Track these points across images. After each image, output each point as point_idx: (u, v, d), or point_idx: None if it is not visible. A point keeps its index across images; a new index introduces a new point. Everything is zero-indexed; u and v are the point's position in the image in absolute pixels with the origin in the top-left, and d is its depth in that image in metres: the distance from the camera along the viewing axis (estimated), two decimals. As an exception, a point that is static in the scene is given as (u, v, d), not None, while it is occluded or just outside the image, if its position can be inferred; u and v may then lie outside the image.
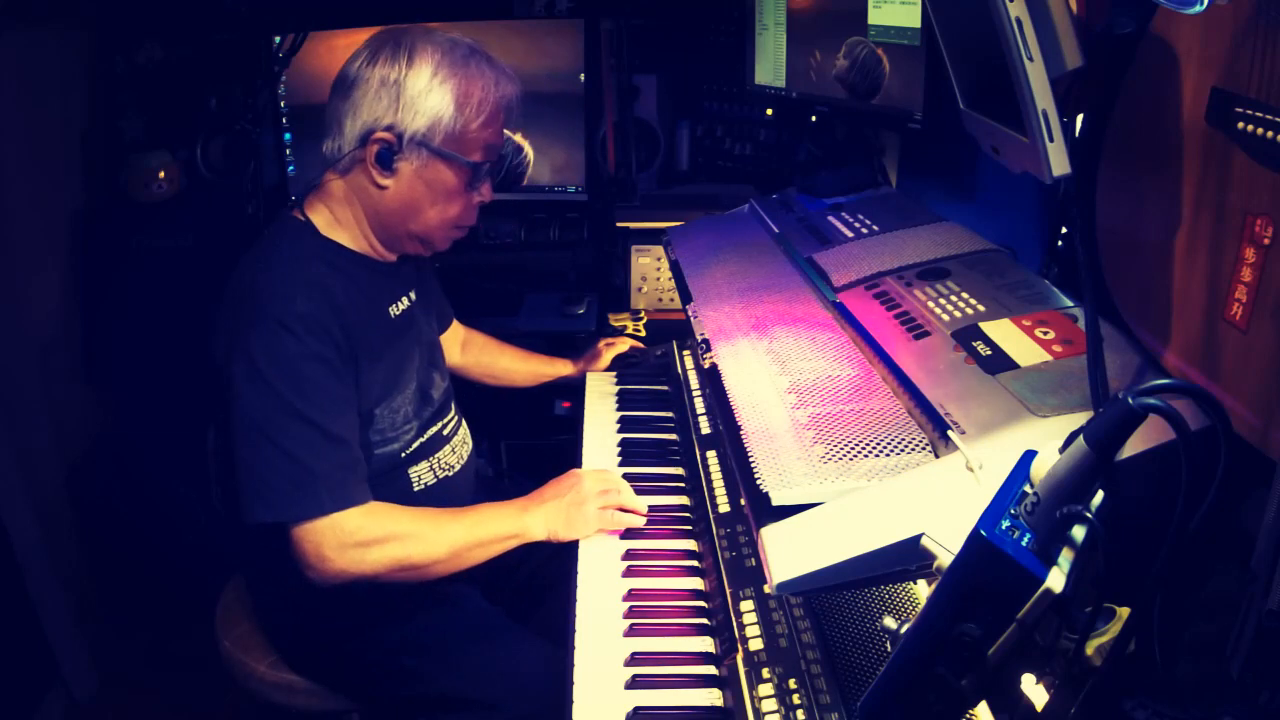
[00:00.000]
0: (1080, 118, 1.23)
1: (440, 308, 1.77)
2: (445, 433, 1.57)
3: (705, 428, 1.61)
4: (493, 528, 1.38)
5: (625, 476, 1.52)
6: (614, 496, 1.42)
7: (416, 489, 1.49)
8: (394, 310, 1.48)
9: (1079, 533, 0.71)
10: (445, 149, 1.36)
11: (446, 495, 1.53)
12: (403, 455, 1.47)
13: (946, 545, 0.78)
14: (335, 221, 1.42)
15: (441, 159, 1.36)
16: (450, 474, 1.56)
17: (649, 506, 1.46)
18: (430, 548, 1.34)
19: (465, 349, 1.90)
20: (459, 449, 1.60)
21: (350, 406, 1.35)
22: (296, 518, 1.28)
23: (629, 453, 1.63)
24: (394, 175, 1.36)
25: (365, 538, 1.30)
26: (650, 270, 2.39)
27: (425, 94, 1.32)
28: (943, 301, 1.29)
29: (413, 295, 1.55)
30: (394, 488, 1.45)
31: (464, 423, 1.66)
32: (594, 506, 1.40)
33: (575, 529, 1.39)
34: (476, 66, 1.36)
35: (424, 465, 1.51)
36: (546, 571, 1.64)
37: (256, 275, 1.34)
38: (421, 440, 1.50)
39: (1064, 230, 1.45)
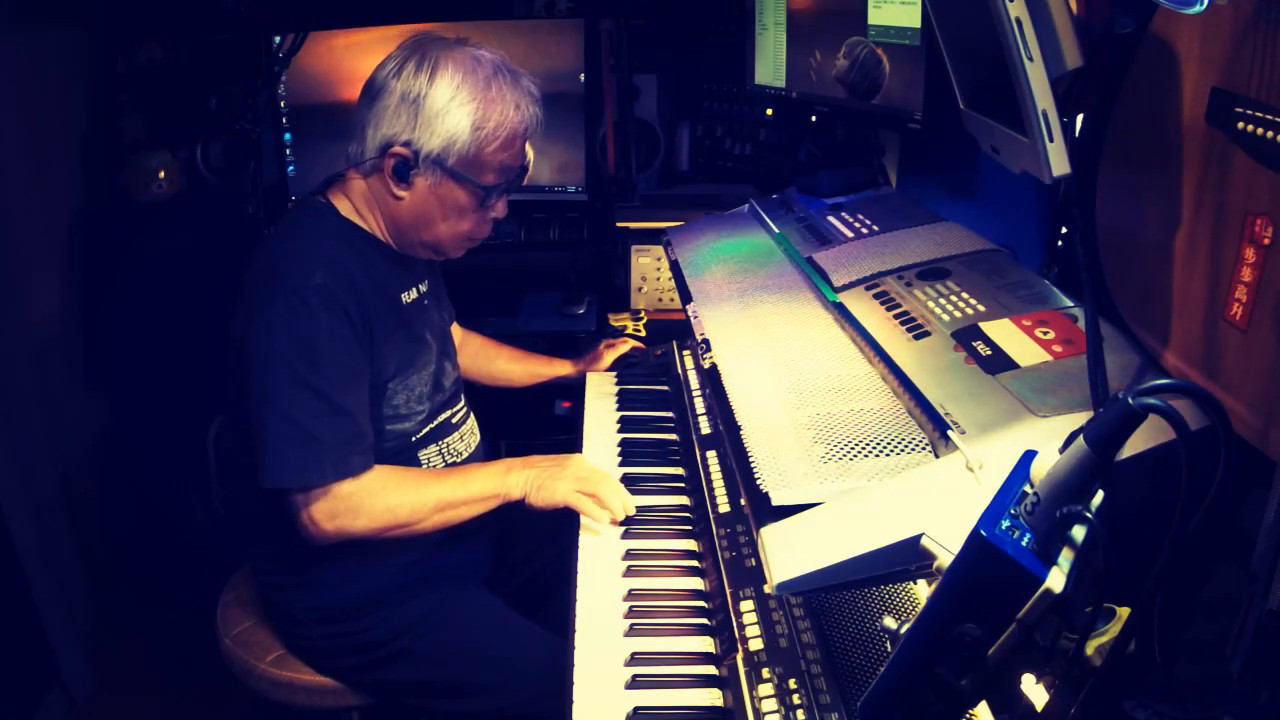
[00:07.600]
0: (1080, 118, 1.23)
1: (446, 305, 1.78)
2: (455, 420, 1.61)
3: (705, 428, 1.61)
4: (476, 487, 1.44)
5: (625, 477, 1.53)
6: (591, 486, 1.44)
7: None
8: (405, 298, 1.52)
9: (1079, 533, 0.71)
10: (459, 170, 1.39)
11: None
12: (413, 439, 1.51)
13: (946, 545, 0.78)
14: (356, 211, 1.47)
15: (454, 179, 1.39)
16: (458, 460, 1.59)
17: (648, 507, 1.46)
18: (416, 509, 1.40)
19: (462, 351, 1.90)
20: (467, 437, 1.63)
21: (361, 380, 1.39)
22: (300, 485, 1.33)
23: (629, 453, 1.63)
24: (409, 188, 1.40)
25: (357, 503, 1.36)
26: (650, 270, 2.39)
27: (443, 114, 1.35)
28: (943, 301, 1.29)
29: (424, 286, 1.58)
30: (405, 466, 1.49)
31: (472, 414, 1.69)
32: (567, 487, 1.43)
33: (542, 498, 1.43)
34: (498, 89, 1.38)
35: (433, 449, 1.54)
36: (550, 572, 1.64)
37: (277, 249, 1.40)
38: (432, 425, 1.54)
39: (1064, 230, 1.45)
